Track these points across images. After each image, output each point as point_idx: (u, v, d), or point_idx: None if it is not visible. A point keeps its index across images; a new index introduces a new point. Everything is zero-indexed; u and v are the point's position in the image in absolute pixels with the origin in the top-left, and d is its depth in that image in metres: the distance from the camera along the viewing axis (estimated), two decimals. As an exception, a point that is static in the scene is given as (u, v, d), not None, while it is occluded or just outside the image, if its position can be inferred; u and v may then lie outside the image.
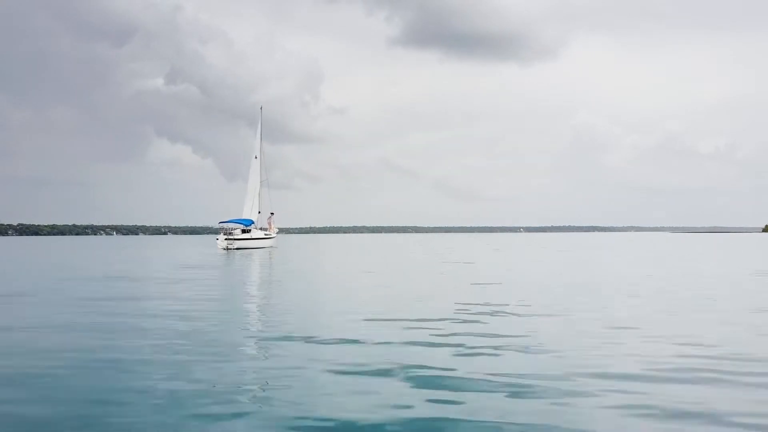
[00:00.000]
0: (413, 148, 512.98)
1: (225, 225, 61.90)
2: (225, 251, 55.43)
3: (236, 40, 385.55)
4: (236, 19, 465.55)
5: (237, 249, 57.78)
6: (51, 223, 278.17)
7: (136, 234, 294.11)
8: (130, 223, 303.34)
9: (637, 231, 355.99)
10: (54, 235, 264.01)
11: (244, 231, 62.06)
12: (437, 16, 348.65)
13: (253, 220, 64.53)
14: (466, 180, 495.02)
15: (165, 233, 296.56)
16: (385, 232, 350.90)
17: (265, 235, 65.29)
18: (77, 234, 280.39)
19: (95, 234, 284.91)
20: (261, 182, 66.43)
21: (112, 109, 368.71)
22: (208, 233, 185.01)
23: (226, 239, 59.10)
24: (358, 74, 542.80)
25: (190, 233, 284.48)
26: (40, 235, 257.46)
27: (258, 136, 67.06)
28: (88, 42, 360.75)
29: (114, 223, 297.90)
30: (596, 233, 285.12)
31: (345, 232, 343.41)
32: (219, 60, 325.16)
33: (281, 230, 74.03)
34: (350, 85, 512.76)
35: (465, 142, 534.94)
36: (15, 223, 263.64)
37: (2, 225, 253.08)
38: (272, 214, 67.92)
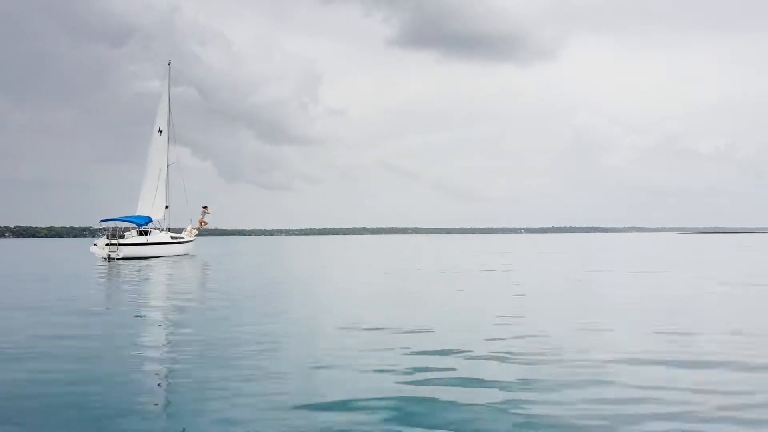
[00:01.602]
0: (412, 148, 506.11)
1: (108, 224, 45.55)
2: (107, 262, 40.85)
3: (235, 42, 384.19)
4: (235, 20, 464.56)
5: (124, 258, 42.79)
6: (49, 225, 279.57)
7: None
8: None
9: (638, 232, 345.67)
10: (51, 237, 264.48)
11: (141, 233, 46.78)
12: (435, 17, 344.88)
13: (152, 217, 49.01)
14: (466, 180, 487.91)
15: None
16: (385, 233, 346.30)
17: (173, 238, 50.12)
18: (75, 236, 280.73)
19: (93, 236, 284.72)
20: (168, 165, 51.28)
21: (112, 110, 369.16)
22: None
23: (108, 244, 43.25)
24: (356, 75, 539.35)
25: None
26: (37, 237, 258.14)
27: (166, 104, 51.55)
28: (86, 43, 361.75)
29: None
30: (598, 234, 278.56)
31: (345, 234, 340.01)
32: (218, 61, 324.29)
33: (196, 232, 54.85)
34: (349, 86, 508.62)
35: (464, 142, 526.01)
36: (12, 225, 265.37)
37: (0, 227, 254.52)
38: (205, 208, 54.11)
